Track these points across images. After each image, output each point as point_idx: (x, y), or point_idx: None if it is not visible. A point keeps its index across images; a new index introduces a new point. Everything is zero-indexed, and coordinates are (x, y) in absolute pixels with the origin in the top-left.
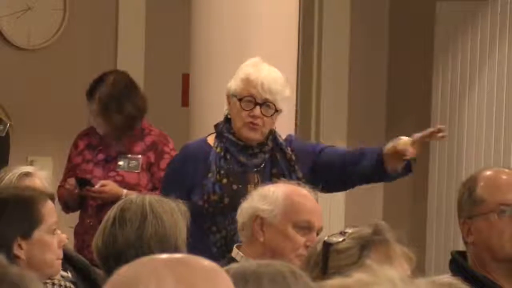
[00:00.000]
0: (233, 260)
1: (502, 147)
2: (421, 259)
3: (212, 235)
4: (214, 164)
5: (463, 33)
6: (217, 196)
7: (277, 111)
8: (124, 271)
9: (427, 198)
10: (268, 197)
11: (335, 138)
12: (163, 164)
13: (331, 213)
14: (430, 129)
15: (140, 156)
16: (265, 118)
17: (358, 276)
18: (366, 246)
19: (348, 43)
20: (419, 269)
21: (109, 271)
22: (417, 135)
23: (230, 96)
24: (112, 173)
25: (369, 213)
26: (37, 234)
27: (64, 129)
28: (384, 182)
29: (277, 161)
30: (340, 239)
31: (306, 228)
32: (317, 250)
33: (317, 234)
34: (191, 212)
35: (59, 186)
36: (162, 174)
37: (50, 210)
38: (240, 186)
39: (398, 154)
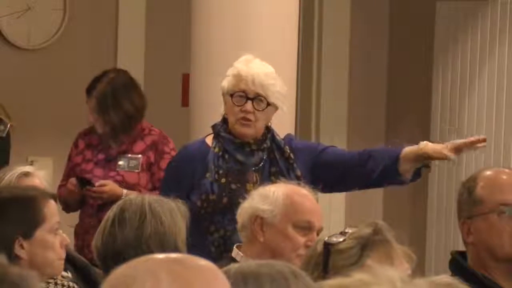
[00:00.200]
0: (233, 260)
1: (502, 147)
2: (421, 259)
3: (210, 234)
4: (212, 163)
5: (463, 33)
6: (215, 196)
7: (269, 105)
8: (120, 271)
9: (427, 198)
10: (268, 197)
11: (335, 137)
12: (163, 164)
13: (331, 213)
14: (473, 138)
15: (140, 156)
16: (257, 113)
17: (358, 276)
18: (366, 246)
19: (348, 43)
20: (419, 269)
21: (108, 271)
22: (457, 141)
23: (224, 95)
24: (112, 173)
25: (369, 213)
26: (39, 233)
27: (64, 129)
28: (391, 185)
29: (275, 160)
30: (341, 239)
31: (306, 228)
32: (317, 251)
33: (317, 234)
34: (190, 212)
35: (59, 186)
36: (162, 174)
37: (53, 210)
38: (239, 185)
39: (420, 158)
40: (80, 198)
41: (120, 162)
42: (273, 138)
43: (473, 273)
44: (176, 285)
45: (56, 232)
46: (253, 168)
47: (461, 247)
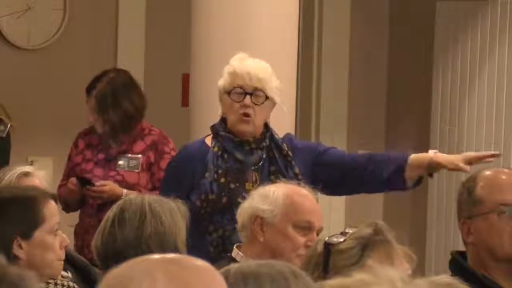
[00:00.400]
0: (233, 260)
1: (502, 147)
2: (421, 259)
3: (209, 234)
4: (211, 163)
5: (463, 33)
6: (215, 196)
7: (267, 98)
8: (117, 271)
9: (427, 198)
10: (268, 197)
11: (335, 137)
12: (163, 164)
13: (331, 213)
14: (486, 153)
15: (140, 155)
16: (256, 108)
17: (358, 276)
18: (367, 246)
19: (348, 43)
20: (419, 269)
21: (108, 271)
22: (472, 154)
23: (221, 95)
24: (112, 173)
25: (369, 213)
26: (38, 234)
27: (64, 129)
28: (391, 191)
29: (275, 159)
30: (341, 240)
31: (306, 228)
32: (317, 251)
33: (317, 234)
34: (190, 212)
35: (60, 186)
36: (162, 174)
37: (52, 211)
38: (238, 184)
39: (432, 166)
40: (80, 198)
41: (120, 162)
42: (272, 136)
43: (473, 273)
44: (172, 285)
45: (56, 233)
46: (253, 168)
47: (461, 247)
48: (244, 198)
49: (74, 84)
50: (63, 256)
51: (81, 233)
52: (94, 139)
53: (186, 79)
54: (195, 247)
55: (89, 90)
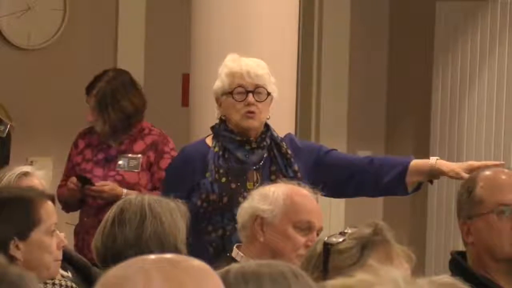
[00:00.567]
0: (233, 260)
1: (502, 147)
2: (421, 259)
3: (208, 234)
4: (212, 163)
5: (463, 33)
6: (216, 196)
7: (269, 94)
8: (113, 272)
9: (427, 198)
10: (268, 197)
11: (335, 137)
12: (163, 163)
13: (331, 213)
14: (490, 163)
15: (140, 155)
16: (259, 104)
17: (360, 276)
18: (366, 246)
19: (348, 43)
20: (419, 269)
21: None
22: (475, 163)
23: (219, 97)
24: (112, 173)
25: (369, 213)
26: (35, 235)
27: (64, 129)
28: (391, 195)
29: (275, 158)
30: (341, 240)
31: (307, 228)
32: (317, 251)
33: (317, 234)
34: (190, 213)
35: (60, 186)
36: (162, 173)
37: (49, 211)
38: (239, 184)
39: (433, 173)
40: (80, 198)
41: (120, 162)
42: (271, 135)
43: (473, 273)
44: (168, 285)
45: (53, 234)
46: (254, 167)
47: (461, 247)
48: (245, 198)
49: (74, 84)
50: (60, 257)
51: (81, 233)
52: (94, 139)
53: (186, 79)
54: (195, 247)
55: (88, 89)
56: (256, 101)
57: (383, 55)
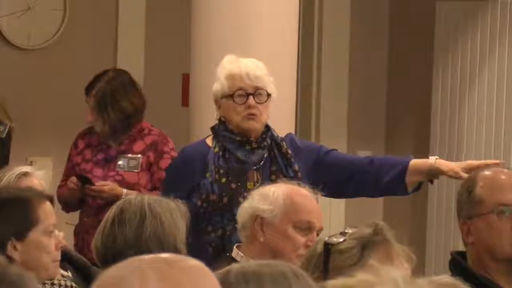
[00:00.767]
0: (233, 260)
1: (502, 147)
2: (421, 259)
3: (207, 234)
4: (212, 163)
5: (463, 33)
6: (216, 196)
7: (269, 95)
8: (109, 272)
9: (427, 198)
10: (268, 197)
11: (335, 138)
12: (163, 163)
13: (331, 213)
14: (489, 161)
15: (139, 155)
16: (260, 106)
17: (361, 276)
18: (367, 246)
19: (348, 43)
20: (419, 269)
21: None
22: (474, 162)
23: (219, 100)
24: (111, 173)
25: (369, 213)
26: (33, 235)
27: (64, 129)
28: (391, 195)
29: (275, 158)
30: (341, 240)
31: (307, 228)
32: (317, 251)
33: (317, 234)
34: (190, 213)
35: (59, 186)
36: (161, 173)
37: (48, 211)
38: (239, 184)
39: (432, 172)
40: (80, 197)
41: (120, 162)
42: (272, 135)
43: (473, 273)
44: (164, 285)
45: (51, 234)
46: (254, 167)
47: (461, 247)
48: (245, 198)
49: (74, 84)
50: (59, 257)
51: (81, 233)
52: (94, 139)
53: (186, 79)
54: (195, 247)
55: (88, 89)
56: (257, 103)
57: (383, 55)
